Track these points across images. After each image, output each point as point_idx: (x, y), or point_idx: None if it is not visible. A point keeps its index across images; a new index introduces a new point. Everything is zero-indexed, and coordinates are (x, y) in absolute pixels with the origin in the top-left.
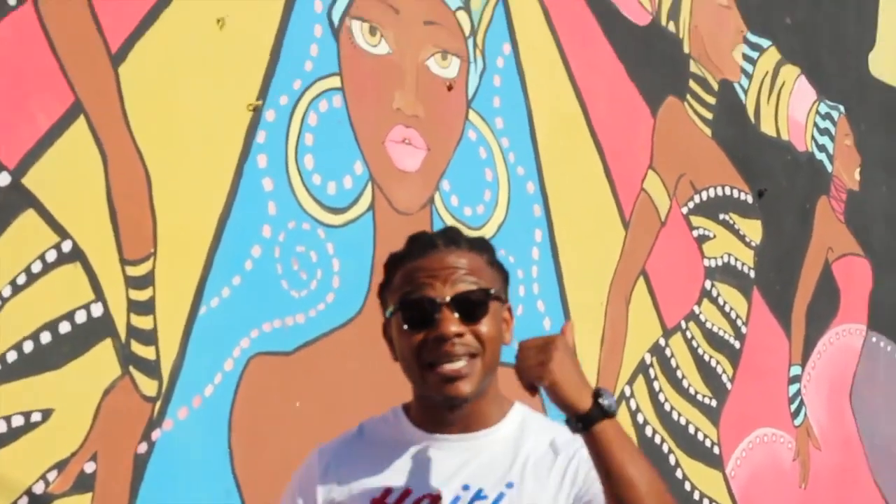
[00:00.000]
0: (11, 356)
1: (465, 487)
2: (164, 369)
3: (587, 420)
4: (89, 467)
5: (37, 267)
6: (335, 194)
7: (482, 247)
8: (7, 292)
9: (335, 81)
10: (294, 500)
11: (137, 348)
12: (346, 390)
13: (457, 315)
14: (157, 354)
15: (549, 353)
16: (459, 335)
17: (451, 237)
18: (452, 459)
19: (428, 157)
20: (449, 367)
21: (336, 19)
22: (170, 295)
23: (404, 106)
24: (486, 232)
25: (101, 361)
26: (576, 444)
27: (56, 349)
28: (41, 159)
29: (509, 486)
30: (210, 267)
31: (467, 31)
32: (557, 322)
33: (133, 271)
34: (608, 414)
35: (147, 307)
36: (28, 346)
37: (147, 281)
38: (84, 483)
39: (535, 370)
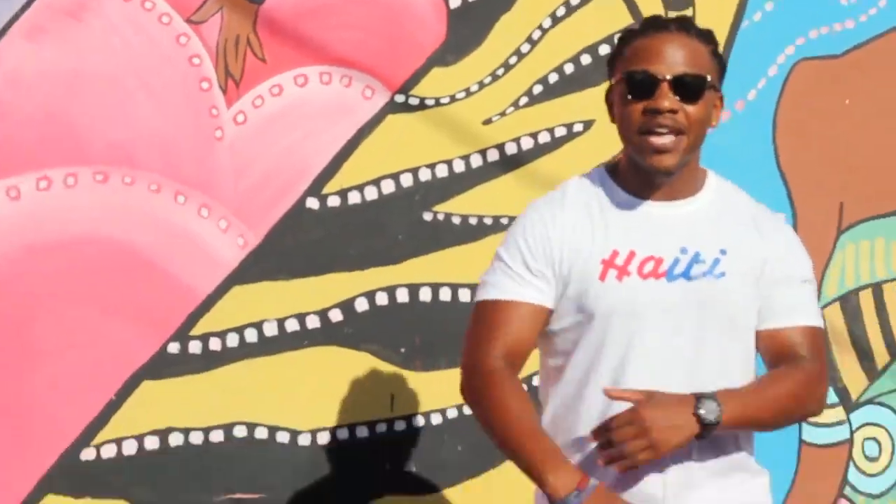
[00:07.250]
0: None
1: (683, 251)
2: None
3: (705, 436)
4: None
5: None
6: None
7: (708, 38)
8: (547, 23)
9: None
10: (522, 255)
11: None
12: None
13: (674, 94)
14: None
15: (645, 430)
16: (673, 111)
17: (683, 24)
18: (665, 223)
19: None
20: (657, 140)
21: None
22: (712, 11)
23: None
24: None
25: None
26: (777, 223)
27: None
28: None
29: (723, 252)
30: None
31: None
32: None
33: None
34: (716, 422)
35: None
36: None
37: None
38: None
39: (645, 454)
